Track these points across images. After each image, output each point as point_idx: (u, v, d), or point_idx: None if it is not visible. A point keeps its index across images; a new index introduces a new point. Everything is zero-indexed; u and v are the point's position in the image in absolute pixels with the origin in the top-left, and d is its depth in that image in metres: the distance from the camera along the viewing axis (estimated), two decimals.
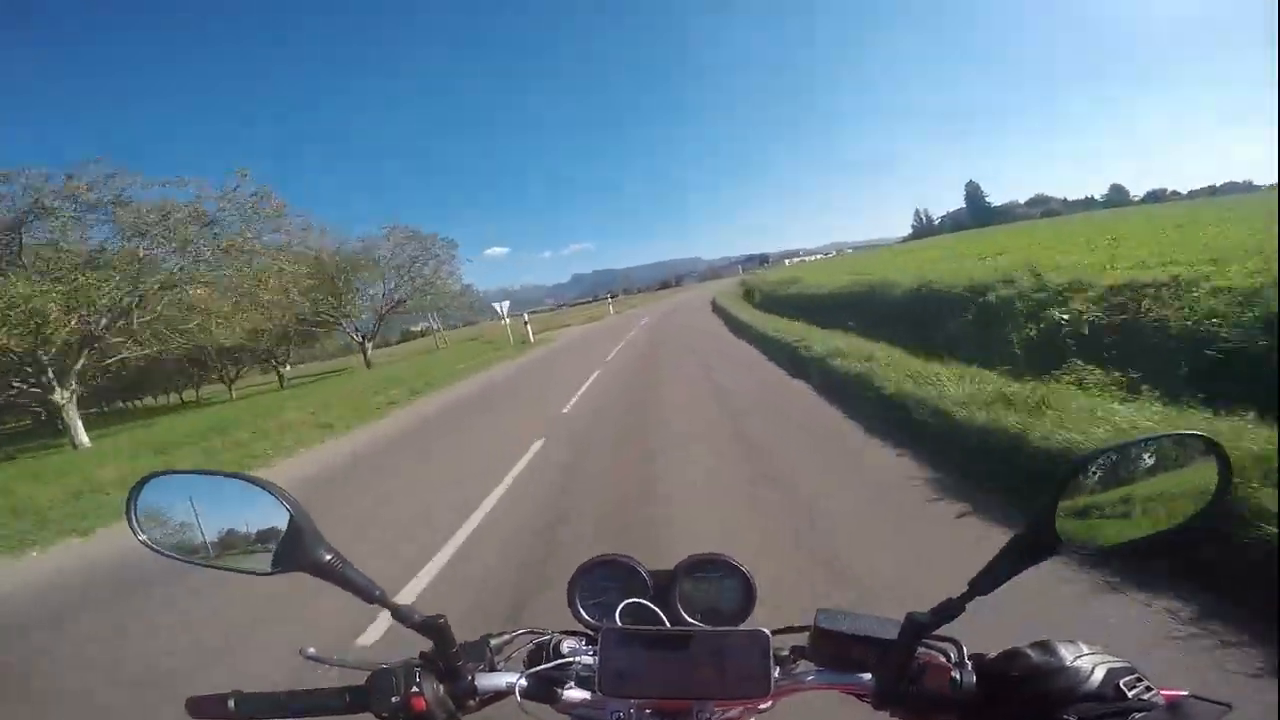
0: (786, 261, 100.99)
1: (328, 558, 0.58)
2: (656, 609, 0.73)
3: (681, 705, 0.60)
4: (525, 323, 27.86)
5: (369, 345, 32.70)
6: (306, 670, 0.73)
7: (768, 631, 0.59)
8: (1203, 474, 0.54)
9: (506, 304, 26.81)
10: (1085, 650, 0.51)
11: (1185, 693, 0.47)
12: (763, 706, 0.63)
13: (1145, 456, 0.55)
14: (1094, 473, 0.53)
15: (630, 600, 0.74)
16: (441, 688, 0.60)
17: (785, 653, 0.65)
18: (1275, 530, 2.00)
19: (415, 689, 0.58)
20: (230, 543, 0.62)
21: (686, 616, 0.76)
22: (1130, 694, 0.47)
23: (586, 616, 0.78)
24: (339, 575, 0.59)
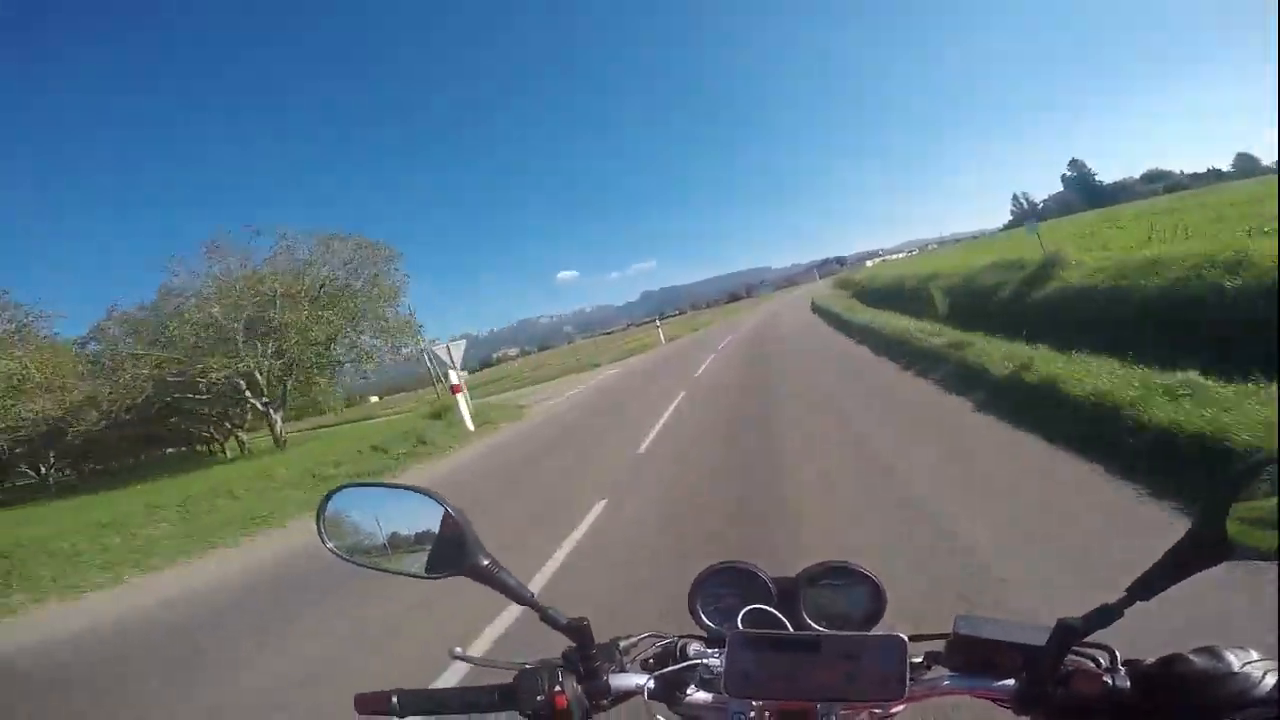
0: (868, 263, 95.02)
1: (485, 563, 0.65)
2: (780, 615, 0.72)
3: (804, 706, 0.59)
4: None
5: (277, 416, 20.28)
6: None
7: (904, 637, 0.58)
8: None
9: (453, 346, 13.11)
10: (1255, 656, 0.49)
11: None
12: (894, 711, 0.62)
13: None
14: (1269, 475, 0.48)
15: (754, 606, 0.73)
16: (580, 687, 0.63)
17: (919, 660, 0.63)
18: None
19: (559, 688, 0.61)
20: (403, 548, 0.69)
21: (811, 623, 0.74)
22: None
23: (709, 622, 0.78)
24: (496, 579, 0.65)
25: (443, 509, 0.65)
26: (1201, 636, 0.55)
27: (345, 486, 0.73)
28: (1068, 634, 0.54)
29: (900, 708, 0.61)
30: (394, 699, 0.64)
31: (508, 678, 0.65)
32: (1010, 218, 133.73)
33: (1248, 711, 0.45)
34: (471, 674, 0.79)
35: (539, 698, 0.61)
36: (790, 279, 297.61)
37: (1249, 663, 0.48)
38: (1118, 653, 0.56)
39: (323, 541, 0.71)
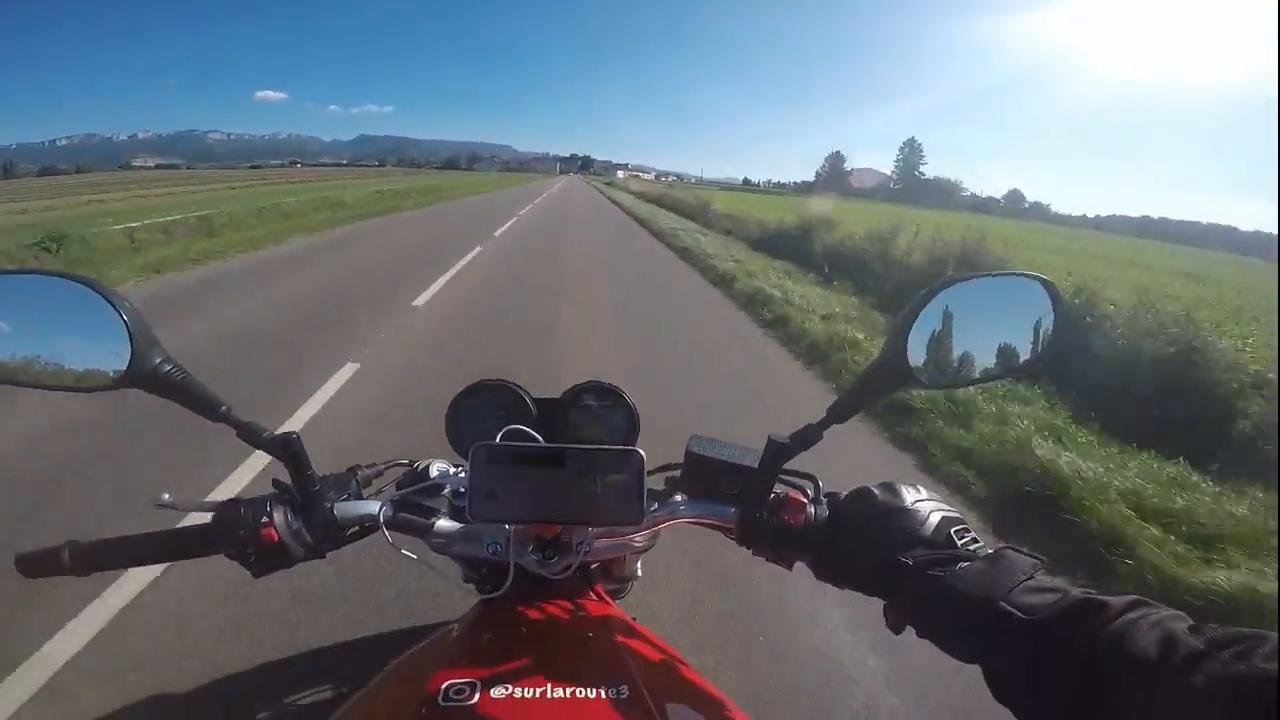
0: (620, 174, 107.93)
1: (167, 369, 0.52)
2: (537, 435, 0.65)
3: (552, 531, 0.59)
4: None
5: None
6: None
7: (642, 452, 0.55)
8: (1041, 315, 0.55)
9: None
10: (924, 495, 0.53)
11: (1003, 545, 0.48)
12: (638, 540, 0.62)
13: (989, 291, 0.55)
14: (942, 304, 0.52)
15: (511, 426, 0.65)
16: (297, 519, 0.55)
17: (661, 487, 0.63)
18: None
19: (265, 519, 0.52)
20: (59, 354, 0.51)
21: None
22: (959, 543, 0.49)
23: (462, 444, 0.70)
24: (180, 389, 0.52)
25: (107, 304, 0.50)
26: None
27: None
28: (777, 452, 0.55)
29: (644, 534, 0.62)
30: (65, 555, 0.52)
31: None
32: (814, 178, 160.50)
33: (915, 551, 0.48)
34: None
35: (241, 532, 0.52)
36: (526, 165, 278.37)
37: (919, 500, 0.52)
38: (820, 483, 0.59)
39: None
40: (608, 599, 0.70)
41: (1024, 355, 0.56)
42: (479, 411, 0.72)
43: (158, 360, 0.51)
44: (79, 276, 0.51)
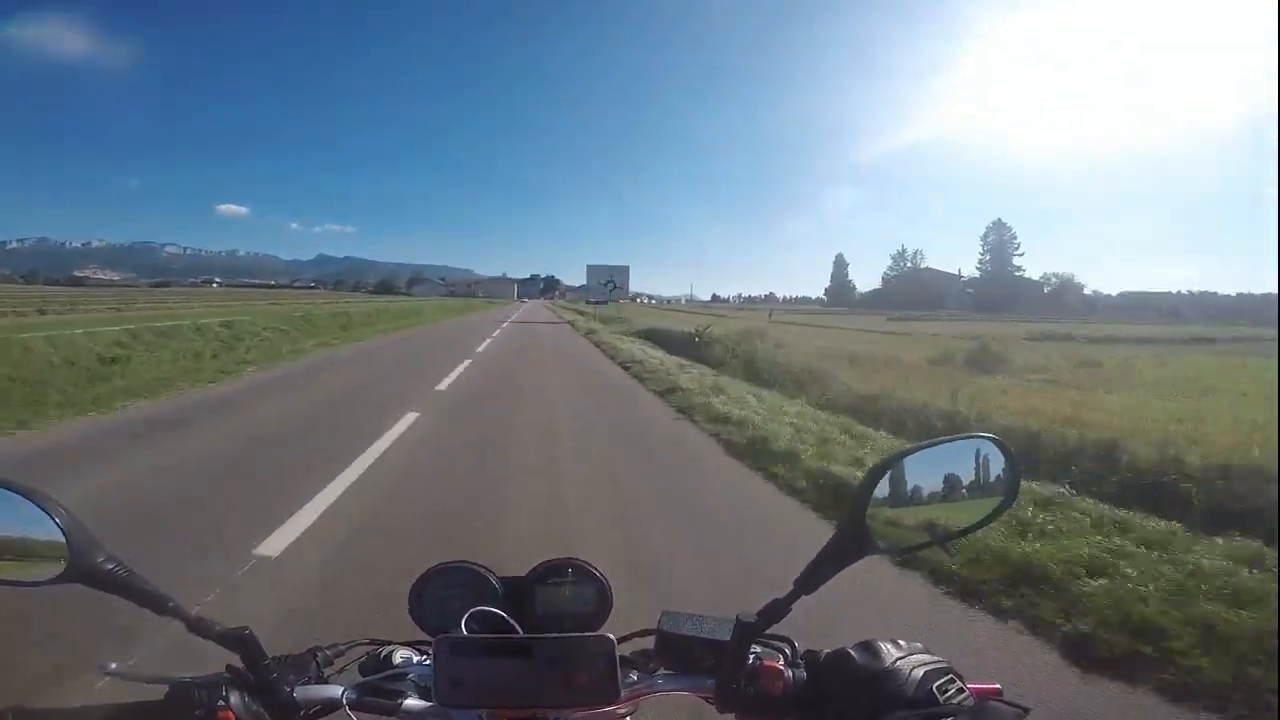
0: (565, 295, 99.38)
1: (109, 567, 0.53)
2: (506, 616, 0.66)
3: (527, 713, 0.59)
4: None
5: None
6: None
7: (613, 637, 0.57)
8: (995, 471, 0.58)
9: None
10: (905, 650, 0.54)
11: (996, 686, 0.51)
12: (621, 711, 0.62)
13: (943, 456, 0.57)
14: (900, 473, 0.55)
15: (476, 609, 0.66)
16: (255, 702, 0.55)
17: (629, 655, 0.64)
18: None
19: (221, 702, 0.53)
20: None
21: (541, 621, 0.69)
22: (942, 698, 0.50)
23: (431, 626, 0.70)
24: (123, 585, 0.53)
25: (38, 506, 0.51)
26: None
27: None
28: (745, 631, 0.57)
29: (626, 709, 0.62)
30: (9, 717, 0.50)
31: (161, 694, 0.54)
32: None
33: (898, 714, 0.49)
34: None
35: (197, 713, 0.52)
36: (477, 287, 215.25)
37: (900, 658, 0.53)
38: (796, 645, 0.60)
39: None
40: None
41: (983, 512, 0.58)
42: (444, 591, 0.71)
43: (99, 559, 0.53)
44: (10, 483, 0.52)
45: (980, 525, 0.59)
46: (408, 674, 0.63)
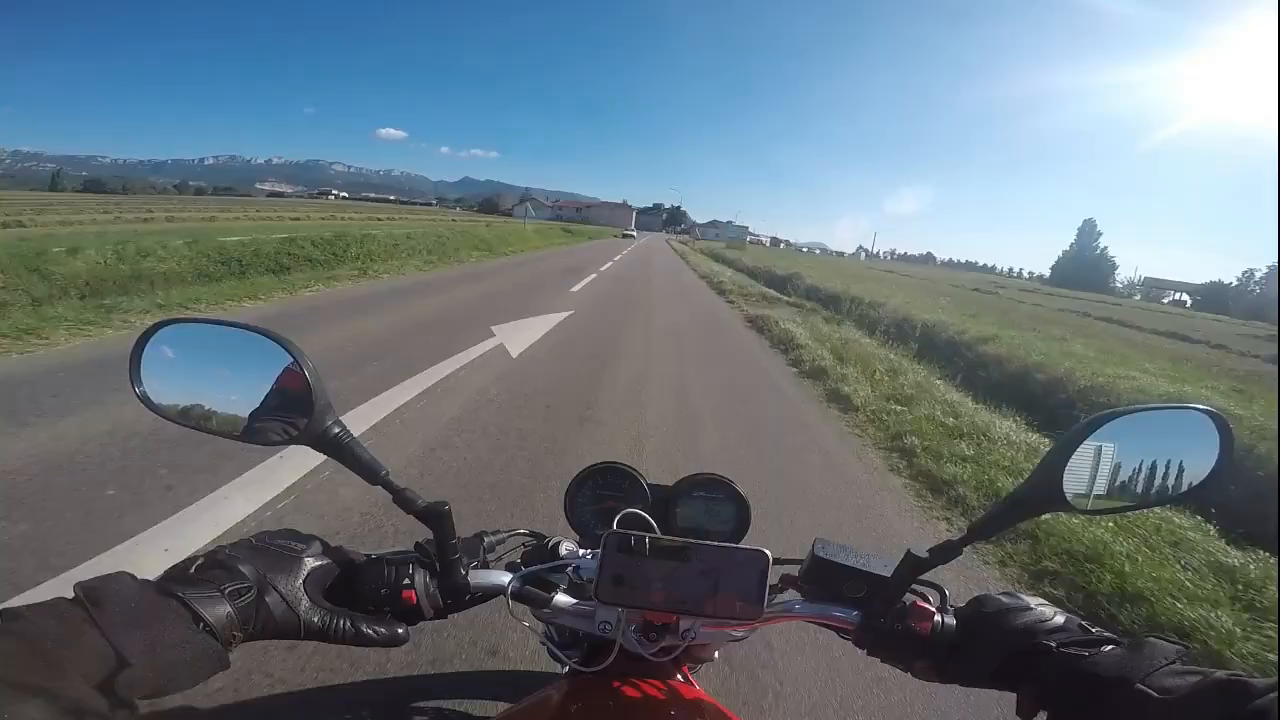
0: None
1: (335, 431, 0.53)
2: (653, 521, 0.70)
3: (668, 619, 0.60)
4: None
5: None
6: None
7: (768, 553, 0.56)
8: (1204, 448, 0.55)
9: None
10: (1044, 601, 0.55)
11: (1146, 634, 0.48)
12: (739, 631, 0.64)
13: (1152, 423, 0.55)
14: (1102, 435, 0.53)
15: (629, 510, 0.70)
16: (433, 583, 0.56)
17: (775, 581, 0.63)
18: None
19: (407, 581, 0.55)
20: (235, 404, 0.54)
21: (679, 533, 0.73)
22: (1094, 632, 0.50)
23: (581, 524, 0.76)
24: (344, 450, 0.54)
25: (289, 358, 0.52)
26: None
27: (171, 322, 0.56)
28: (913, 565, 0.56)
29: (754, 626, 0.62)
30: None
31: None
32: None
33: (1054, 635, 0.50)
34: None
35: (383, 591, 0.54)
36: (590, 212, 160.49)
37: (1041, 603, 0.54)
38: (946, 592, 0.59)
39: (133, 386, 0.54)
40: (693, 681, 0.71)
41: (1184, 486, 0.55)
42: (596, 492, 0.77)
43: (329, 423, 0.53)
44: (276, 335, 0.53)
45: (1177, 500, 0.57)
46: (568, 566, 0.63)
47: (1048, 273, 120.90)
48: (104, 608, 0.39)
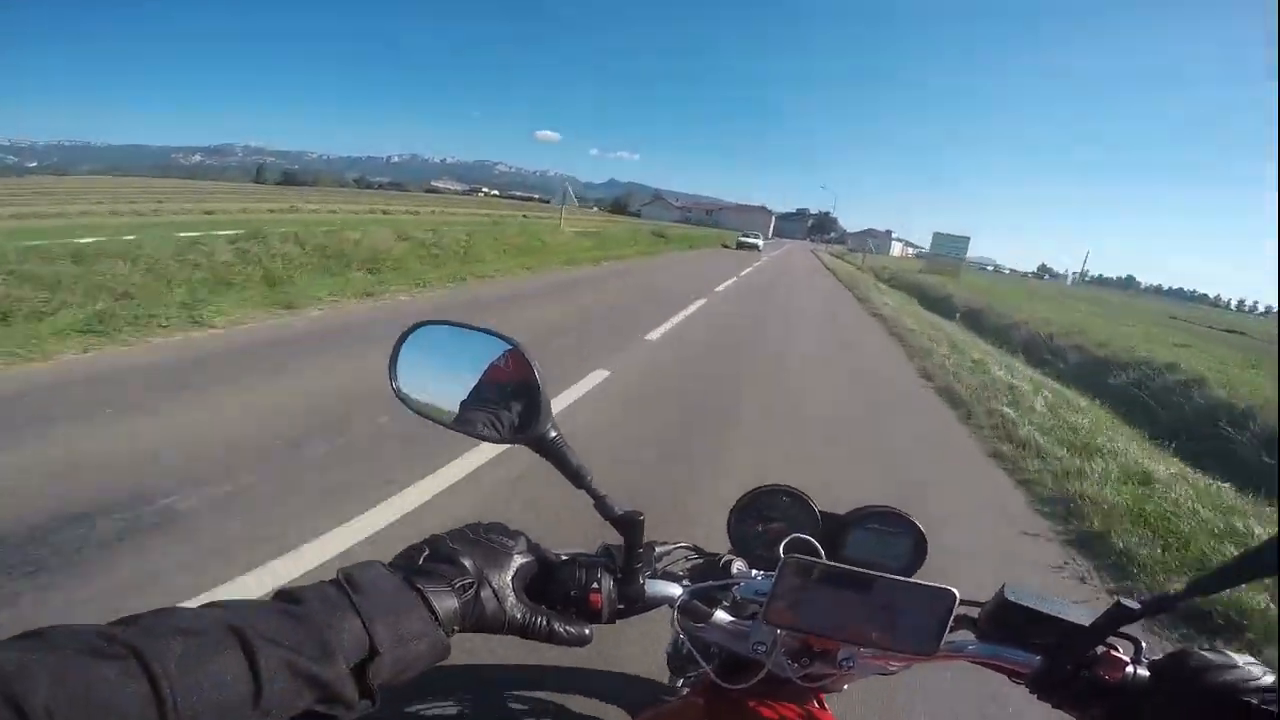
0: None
1: (553, 434, 0.57)
2: (820, 548, 0.69)
3: (828, 646, 0.59)
4: None
5: None
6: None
7: (956, 592, 0.54)
8: None
9: None
10: (1253, 660, 0.51)
11: None
12: (894, 665, 0.62)
13: None
14: None
15: (797, 535, 0.69)
16: (615, 588, 0.58)
17: (957, 618, 0.60)
18: None
19: (595, 585, 0.56)
20: (473, 401, 0.59)
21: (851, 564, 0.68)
22: None
23: (744, 545, 0.75)
24: (559, 454, 0.57)
25: (528, 363, 0.57)
26: None
27: (425, 324, 0.62)
28: (1119, 616, 0.52)
29: (914, 663, 0.60)
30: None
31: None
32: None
33: (1264, 695, 0.47)
34: None
35: (572, 592, 0.55)
36: (724, 215, 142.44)
37: (1249, 663, 0.51)
38: (1143, 645, 0.55)
39: (391, 381, 0.61)
40: (827, 708, 0.70)
41: None
42: (762, 513, 0.77)
43: (547, 426, 0.57)
44: (510, 339, 0.58)
45: None
46: (735, 584, 0.63)
47: None
48: (365, 595, 0.41)
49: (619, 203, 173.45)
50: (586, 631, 0.55)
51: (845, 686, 0.69)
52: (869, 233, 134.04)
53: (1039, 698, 0.56)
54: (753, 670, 0.61)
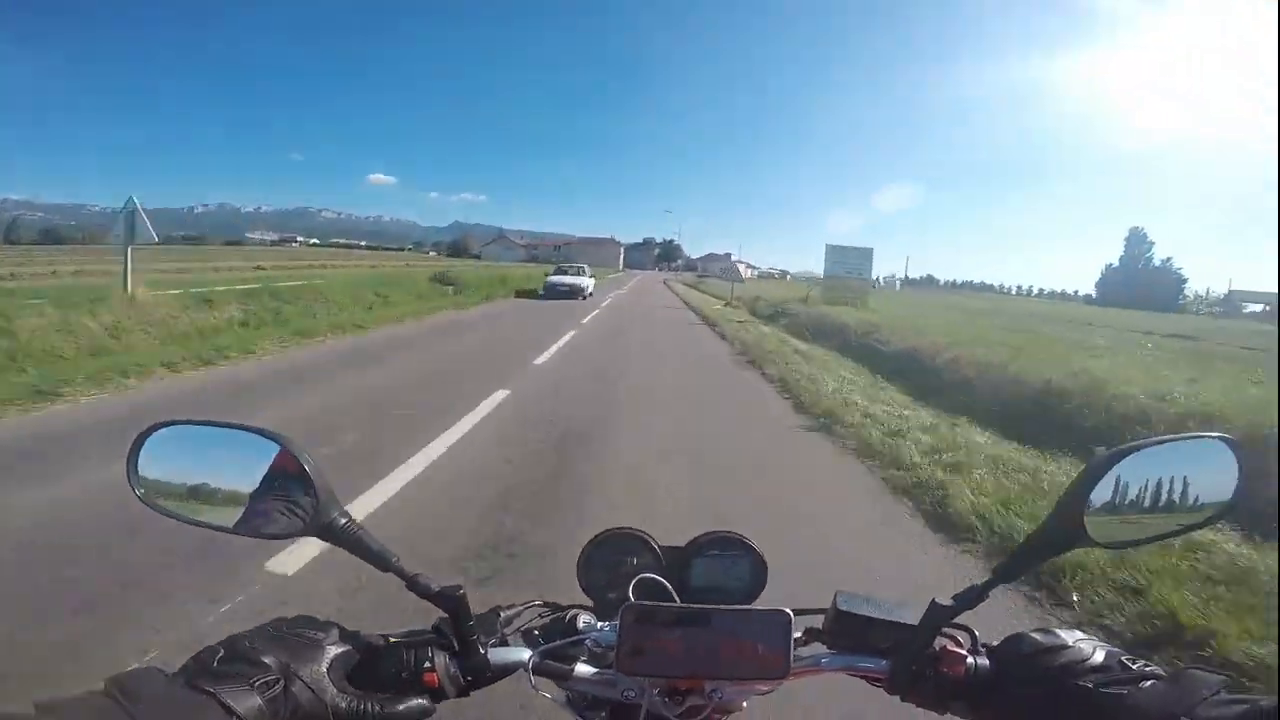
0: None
1: (342, 521, 0.55)
2: (668, 585, 0.70)
3: (694, 684, 0.60)
4: None
5: None
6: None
7: (789, 611, 0.57)
8: (1221, 474, 0.56)
9: None
10: (1082, 635, 0.54)
11: (1186, 666, 0.48)
12: (764, 687, 0.62)
13: (1169, 455, 0.56)
14: (1120, 469, 0.54)
15: (643, 575, 0.70)
16: (454, 662, 0.57)
17: (799, 635, 0.62)
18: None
19: (428, 664, 0.54)
20: (237, 501, 0.55)
21: (698, 594, 0.73)
22: (1133, 667, 0.49)
23: (595, 591, 0.75)
24: (353, 540, 0.55)
25: (291, 455, 0.54)
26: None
27: (168, 424, 0.58)
28: (939, 614, 0.56)
29: (782, 683, 0.61)
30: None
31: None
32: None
33: (1091, 676, 0.49)
34: None
35: (404, 675, 0.54)
36: (569, 250, 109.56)
37: (1079, 639, 0.53)
38: (976, 633, 0.58)
39: (132, 487, 0.56)
40: None
41: (1205, 513, 0.56)
42: (608, 558, 0.75)
43: (335, 514, 0.54)
44: (270, 432, 0.55)
45: (1200, 525, 0.58)
46: (585, 638, 0.63)
47: (1091, 291, 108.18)
48: (142, 704, 0.38)
49: (457, 245, 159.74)
50: (426, 703, 0.53)
51: (744, 706, 0.69)
52: (710, 257, 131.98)
53: (901, 700, 0.58)
54: (636, 716, 0.60)
